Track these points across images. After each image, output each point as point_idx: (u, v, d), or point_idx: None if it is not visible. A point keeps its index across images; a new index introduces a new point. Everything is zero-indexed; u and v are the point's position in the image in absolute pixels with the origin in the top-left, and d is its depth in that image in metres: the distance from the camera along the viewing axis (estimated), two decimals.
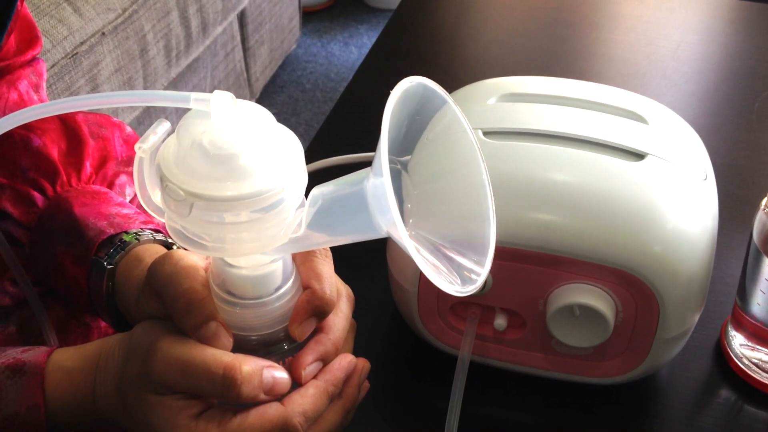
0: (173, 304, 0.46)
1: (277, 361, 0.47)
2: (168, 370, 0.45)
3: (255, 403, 0.46)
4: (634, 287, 0.55)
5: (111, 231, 0.59)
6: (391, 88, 0.40)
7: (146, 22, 1.33)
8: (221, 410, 0.46)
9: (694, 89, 0.97)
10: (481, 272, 0.43)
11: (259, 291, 0.46)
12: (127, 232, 0.60)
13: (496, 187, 0.56)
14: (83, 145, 0.65)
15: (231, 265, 0.45)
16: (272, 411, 0.46)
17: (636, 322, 0.57)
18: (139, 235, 0.59)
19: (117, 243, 0.59)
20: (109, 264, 0.58)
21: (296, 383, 0.47)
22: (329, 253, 0.49)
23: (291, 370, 0.47)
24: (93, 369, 0.50)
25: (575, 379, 0.62)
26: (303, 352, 0.48)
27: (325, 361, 0.48)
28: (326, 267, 0.48)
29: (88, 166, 0.65)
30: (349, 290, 0.52)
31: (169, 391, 0.45)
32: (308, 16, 2.55)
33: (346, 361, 0.49)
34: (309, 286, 0.47)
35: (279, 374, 0.46)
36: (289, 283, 0.47)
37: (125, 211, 0.62)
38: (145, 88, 1.36)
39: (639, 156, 0.58)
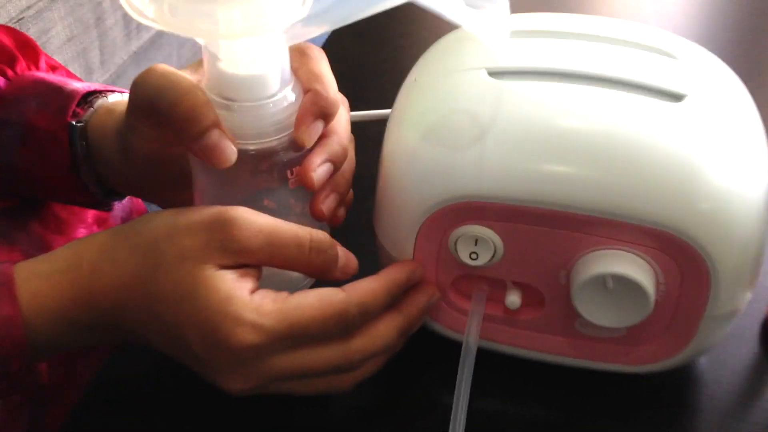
0: (172, 112, 0.43)
1: (282, 172, 0.46)
2: (254, 236, 0.43)
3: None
4: (680, 252, 0.45)
5: (88, 89, 0.56)
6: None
7: None
8: (275, 290, 0.44)
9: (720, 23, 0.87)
10: None
11: (258, 92, 0.44)
12: (98, 91, 0.57)
13: (508, 134, 0.45)
14: (37, 50, 0.61)
15: (227, 66, 0.43)
16: (333, 294, 0.44)
17: (681, 296, 0.47)
18: (108, 94, 0.57)
19: (87, 105, 0.55)
20: (79, 124, 0.54)
21: (308, 190, 0.46)
22: (324, 55, 0.48)
23: (300, 177, 0.46)
24: (78, 267, 0.44)
25: (603, 367, 0.51)
26: (311, 154, 0.46)
27: (334, 162, 0.47)
28: (325, 67, 0.47)
29: (43, 63, 0.60)
30: (343, 96, 0.50)
31: (236, 263, 0.43)
32: None
33: (407, 263, 0.48)
34: (311, 89, 0.45)
35: (349, 255, 0.47)
36: (289, 87, 0.45)
37: (90, 85, 0.58)
38: (102, 61, 1.24)
39: (676, 97, 0.47)
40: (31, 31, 1.06)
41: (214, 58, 0.44)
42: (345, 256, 0.47)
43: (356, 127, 0.54)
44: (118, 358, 0.55)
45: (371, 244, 0.52)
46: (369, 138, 0.55)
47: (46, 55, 0.63)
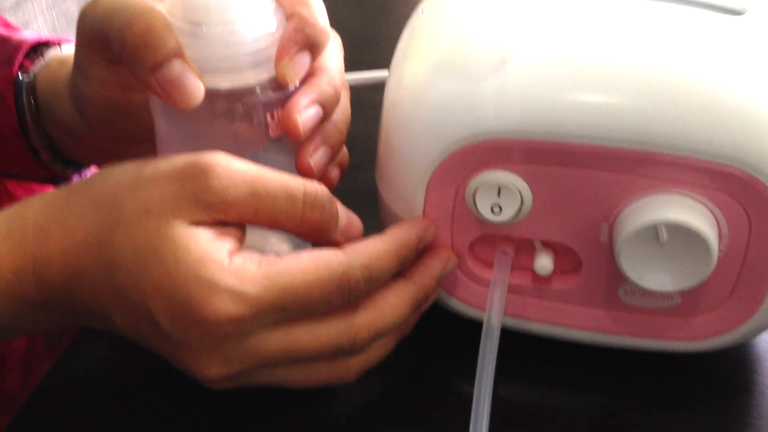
0: (124, 35, 0.36)
1: (261, 118, 0.38)
2: (235, 185, 0.35)
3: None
4: (748, 194, 0.37)
5: (39, 40, 0.49)
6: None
7: None
8: (259, 252, 0.36)
9: None
10: None
11: (230, 12, 0.36)
12: (47, 43, 0.49)
13: (532, 58, 0.38)
14: None
15: None
16: (332, 256, 0.36)
17: (749, 251, 0.38)
18: (63, 45, 0.50)
19: (36, 56, 0.48)
20: (26, 78, 0.47)
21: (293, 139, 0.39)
22: None
23: (283, 122, 0.38)
24: (22, 231, 0.36)
25: (652, 345, 0.43)
26: (296, 94, 0.38)
27: (324, 106, 0.39)
28: None
29: None
30: (335, 32, 0.42)
31: (213, 219, 0.35)
32: None
33: (418, 221, 0.40)
34: (296, 14, 0.38)
35: (351, 214, 0.39)
36: (269, 11, 0.38)
37: (41, 35, 0.51)
38: None
39: (734, 12, 0.40)
40: None
41: None
42: (346, 215, 0.39)
43: (354, 90, 0.46)
44: (75, 347, 0.47)
45: (374, 217, 0.44)
46: (368, 103, 0.47)
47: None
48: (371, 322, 0.38)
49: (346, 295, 0.36)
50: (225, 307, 0.34)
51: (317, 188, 0.37)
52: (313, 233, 0.38)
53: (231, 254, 0.35)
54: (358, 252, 0.37)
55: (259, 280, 0.34)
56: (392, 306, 0.38)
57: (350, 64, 0.47)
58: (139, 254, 0.34)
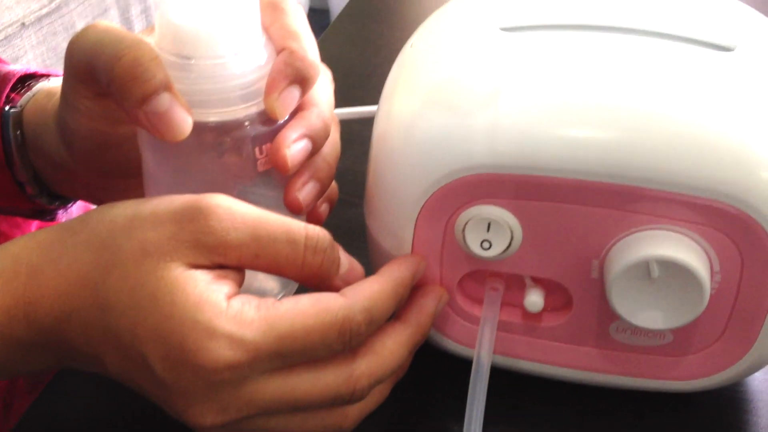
0: (112, 68, 0.35)
1: (250, 151, 0.38)
2: (236, 228, 0.34)
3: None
4: (740, 230, 0.36)
5: (26, 72, 0.49)
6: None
7: (78, 18, 1.15)
8: (258, 295, 0.35)
9: None
10: None
11: (220, 46, 0.36)
12: (35, 75, 0.49)
13: (529, 91, 0.38)
14: None
15: (180, 15, 0.36)
16: (331, 299, 0.35)
17: (741, 287, 0.38)
18: (51, 78, 0.49)
19: (24, 88, 0.48)
20: (13, 110, 0.46)
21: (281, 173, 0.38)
22: (301, 10, 0.40)
23: (271, 156, 0.38)
24: (13, 271, 0.35)
25: (644, 385, 0.42)
26: (285, 128, 0.38)
27: (313, 140, 0.39)
28: (302, 23, 0.39)
29: None
30: (325, 66, 0.42)
31: (212, 262, 0.34)
32: None
33: (410, 258, 0.40)
34: (286, 48, 0.38)
35: (353, 260, 0.38)
36: (259, 45, 0.37)
37: (29, 68, 0.51)
38: None
39: (724, 48, 0.40)
40: None
41: (165, 6, 0.36)
42: (348, 261, 0.38)
43: (344, 125, 0.46)
44: (56, 386, 0.46)
45: (363, 255, 0.43)
46: (358, 138, 0.47)
47: None
48: (372, 370, 0.37)
49: (347, 340, 0.35)
50: (222, 352, 0.33)
51: (319, 233, 0.36)
52: (314, 278, 0.37)
53: (229, 298, 0.34)
54: (357, 295, 0.36)
55: (257, 325, 0.33)
56: (391, 351, 0.37)
57: (341, 100, 0.47)
58: (135, 297, 0.33)
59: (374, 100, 0.48)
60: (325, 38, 0.79)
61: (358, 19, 0.84)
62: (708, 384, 0.42)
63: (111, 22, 1.19)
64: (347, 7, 0.85)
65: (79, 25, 1.16)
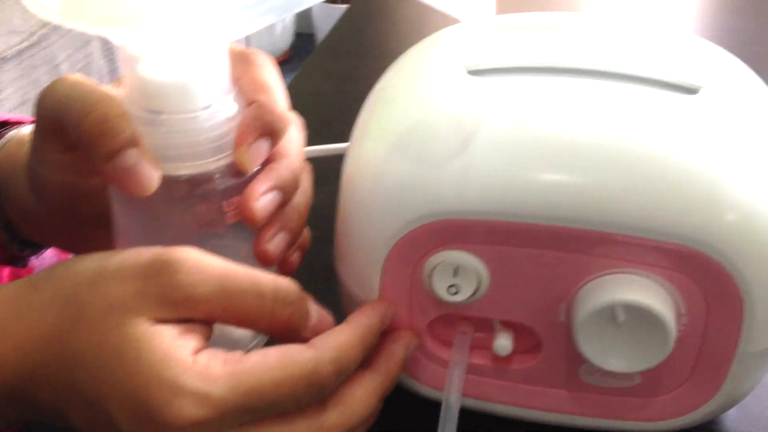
0: (80, 123, 0.35)
1: (219, 204, 0.38)
2: (203, 282, 0.34)
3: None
4: (704, 274, 0.37)
5: None
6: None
7: (60, 51, 1.14)
8: (226, 349, 0.35)
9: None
10: None
11: (188, 101, 0.36)
12: (6, 123, 0.49)
13: (497, 137, 0.38)
14: None
15: (149, 70, 0.36)
16: (299, 352, 0.35)
17: (707, 330, 0.38)
18: (22, 126, 0.49)
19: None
20: None
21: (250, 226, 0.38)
22: (272, 63, 0.41)
23: (240, 208, 0.38)
24: None
25: (614, 426, 0.42)
26: (254, 181, 0.38)
27: (283, 191, 0.39)
28: (272, 76, 0.40)
29: None
30: (296, 116, 0.42)
31: (178, 317, 0.34)
32: None
33: (377, 304, 0.40)
34: (255, 101, 0.38)
35: (322, 311, 0.38)
36: (228, 98, 0.37)
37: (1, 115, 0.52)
38: None
39: (689, 90, 0.40)
40: None
41: (134, 61, 0.36)
42: (317, 312, 0.38)
43: (317, 162, 0.46)
44: None
45: (337, 292, 0.43)
46: (333, 174, 0.47)
47: None
48: (342, 420, 0.36)
49: (316, 392, 0.35)
50: (188, 409, 0.32)
51: (288, 286, 0.36)
52: (283, 331, 0.36)
53: (195, 353, 0.34)
54: (325, 346, 0.36)
55: (224, 380, 0.33)
56: (361, 400, 0.37)
57: (318, 135, 0.47)
58: (100, 352, 0.33)
59: (350, 135, 0.48)
60: (302, 72, 0.79)
61: (336, 53, 0.84)
62: (679, 424, 0.42)
63: (91, 55, 1.18)
64: (325, 40, 0.86)
65: (61, 58, 1.16)
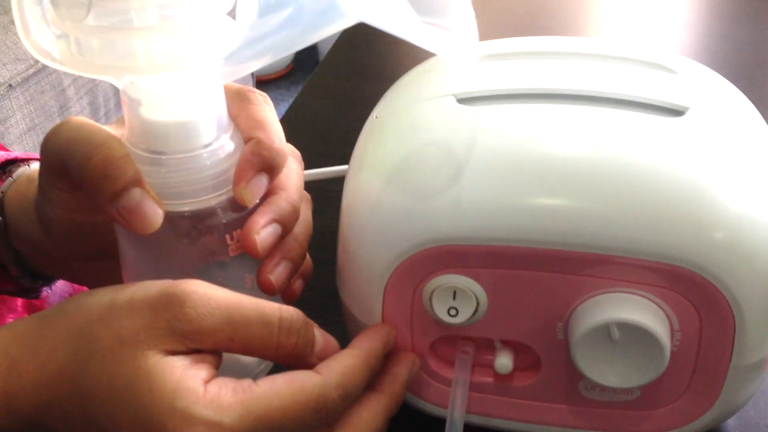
0: (84, 167, 0.37)
1: (222, 237, 0.39)
2: (210, 313, 0.35)
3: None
4: (696, 291, 0.38)
5: (7, 157, 0.50)
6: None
7: (65, 76, 1.17)
8: (235, 378, 0.36)
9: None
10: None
11: (189, 141, 0.37)
12: (16, 160, 0.50)
13: (488, 164, 0.39)
14: None
15: (150, 112, 0.37)
16: (306, 378, 0.36)
17: (701, 345, 0.39)
18: (31, 163, 0.50)
19: (5, 174, 0.49)
20: None
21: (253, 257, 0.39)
22: (268, 99, 0.42)
23: (242, 241, 0.39)
24: None
25: None
26: (254, 214, 0.39)
27: (283, 223, 0.40)
28: (269, 113, 0.40)
29: None
30: (294, 148, 0.43)
31: (188, 348, 0.35)
32: (264, 85, 2.40)
33: (380, 328, 0.41)
34: (252, 137, 0.39)
35: (328, 337, 0.39)
36: (227, 136, 0.39)
37: (10, 153, 0.52)
38: None
39: (676, 112, 0.41)
40: None
41: (136, 103, 0.37)
42: (322, 338, 0.39)
43: (319, 185, 0.47)
44: None
45: (342, 314, 0.45)
46: (335, 197, 0.48)
47: None
48: None
49: (323, 417, 0.36)
50: None
51: (293, 314, 0.37)
52: (289, 359, 0.38)
53: (206, 382, 0.35)
54: (332, 371, 0.37)
55: (234, 408, 0.34)
56: (368, 423, 0.38)
57: (319, 157, 0.48)
58: (113, 386, 0.34)
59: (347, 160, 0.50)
60: (303, 93, 0.81)
61: (335, 74, 0.86)
62: None
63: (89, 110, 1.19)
64: (324, 60, 0.87)
65: (66, 83, 1.18)
